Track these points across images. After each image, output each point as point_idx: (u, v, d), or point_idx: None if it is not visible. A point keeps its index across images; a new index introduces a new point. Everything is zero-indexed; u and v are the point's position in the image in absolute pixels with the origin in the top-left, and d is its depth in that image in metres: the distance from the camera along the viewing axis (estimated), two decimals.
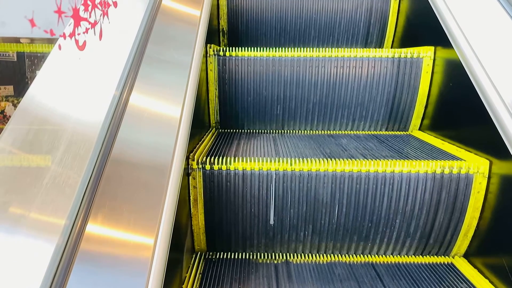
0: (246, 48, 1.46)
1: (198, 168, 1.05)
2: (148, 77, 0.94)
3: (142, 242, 0.64)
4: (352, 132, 1.51)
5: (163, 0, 1.17)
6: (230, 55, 1.44)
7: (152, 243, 0.63)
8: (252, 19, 1.85)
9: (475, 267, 1.07)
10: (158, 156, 0.81)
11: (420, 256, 1.13)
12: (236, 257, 1.12)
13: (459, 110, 1.23)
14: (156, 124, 0.88)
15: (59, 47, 0.70)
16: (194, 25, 1.19)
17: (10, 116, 0.58)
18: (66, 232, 0.61)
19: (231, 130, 1.53)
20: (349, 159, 1.06)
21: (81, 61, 0.75)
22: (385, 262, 1.10)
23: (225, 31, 1.86)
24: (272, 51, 1.44)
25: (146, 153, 0.81)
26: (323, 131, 1.52)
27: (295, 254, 1.13)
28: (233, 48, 1.46)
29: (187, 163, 1.03)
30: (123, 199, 0.70)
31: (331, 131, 1.52)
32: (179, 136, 0.85)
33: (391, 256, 1.13)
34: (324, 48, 1.45)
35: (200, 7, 1.27)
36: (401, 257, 1.12)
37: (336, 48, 1.45)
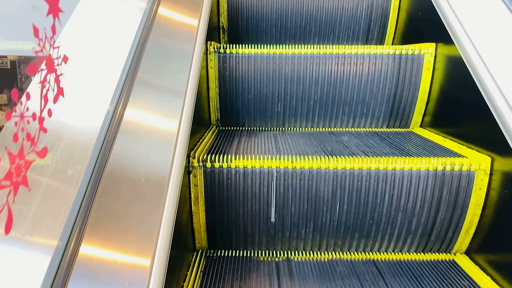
0: (246, 45, 1.45)
1: (199, 166, 1.05)
2: (147, 76, 0.94)
3: (142, 248, 0.63)
4: (353, 129, 1.51)
5: None
6: (230, 53, 1.44)
7: (150, 258, 0.62)
8: (253, 16, 1.84)
9: (477, 264, 1.07)
10: (158, 158, 0.80)
11: (422, 253, 1.12)
12: (237, 254, 1.12)
13: (461, 107, 1.22)
14: (156, 125, 0.88)
15: None
16: (194, 23, 1.18)
17: (2, 126, 0.56)
18: (66, 233, 0.61)
19: (232, 128, 1.53)
20: (350, 157, 1.06)
21: (74, 64, 0.72)
22: (387, 259, 1.10)
23: (225, 28, 1.86)
24: (273, 48, 1.44)
25: (146, 153, 0.81)
26: (324, 128, 1.52)
27: (296, 251, 1.13)
28: (234, 45, 1.45)
29: (188, 161, 1.03)
30: (123, 202, 0.69)
31: (332, 128, 1.52)
32: (179, 137, 0.85)
33: (392, 253, 1.12)
34: (324, 45, 1.45)
35: (200, 4, 1.26)
36: (402, 254, 1.12)
37: (337, 45, 1.45)
